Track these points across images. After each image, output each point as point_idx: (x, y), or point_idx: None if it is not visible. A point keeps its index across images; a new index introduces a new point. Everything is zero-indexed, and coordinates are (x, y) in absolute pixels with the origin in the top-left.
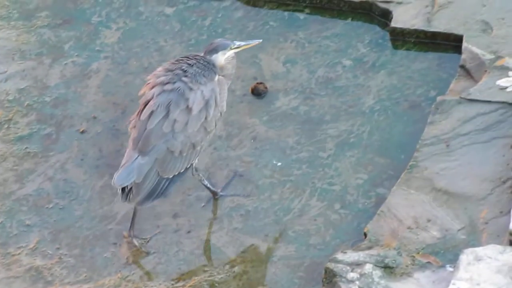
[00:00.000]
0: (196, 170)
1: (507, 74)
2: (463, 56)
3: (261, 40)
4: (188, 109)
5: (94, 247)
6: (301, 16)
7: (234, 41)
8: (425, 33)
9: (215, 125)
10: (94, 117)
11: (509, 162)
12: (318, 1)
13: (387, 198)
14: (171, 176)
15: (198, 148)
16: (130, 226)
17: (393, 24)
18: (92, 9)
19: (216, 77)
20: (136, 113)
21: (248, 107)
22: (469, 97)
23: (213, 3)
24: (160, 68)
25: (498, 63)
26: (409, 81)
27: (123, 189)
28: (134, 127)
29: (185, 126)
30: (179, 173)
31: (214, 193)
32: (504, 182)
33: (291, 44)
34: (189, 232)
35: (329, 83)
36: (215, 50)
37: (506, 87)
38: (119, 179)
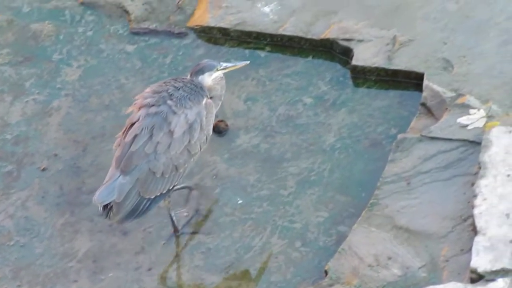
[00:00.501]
0: (169, 196)
1: (468, 112)
2: (424, 94)
3: (248, 62)
4: (170, 132)
5: (55, 284)
6: (262, 54)
7: (221, 62)
8: (386, 71)
9: (200, 149)
10: (55, 155)
11: (469, 200)
12: (279, 39)
13: (348, 236)
14: (152, 197)
15: (181, 170)
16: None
17: (354, 62)
18: (53, 46)
19: (204, 100)
20: (122, 131)
21: (209, 145)
22: (430, 135)
23: (174, 40)
24: (148, 89)
25: (459, 101)
26: (370, 119)
27: (104, 206)
28: (119, 145)
29: (167, 148)
30: (161, 194)
31: (176, 229)
32: (465, 220)
33: (252, 82)
34: (150, 269)
35: (290, 121)
36: (201, 71)
37: (467, 125)
38: (100, 196)
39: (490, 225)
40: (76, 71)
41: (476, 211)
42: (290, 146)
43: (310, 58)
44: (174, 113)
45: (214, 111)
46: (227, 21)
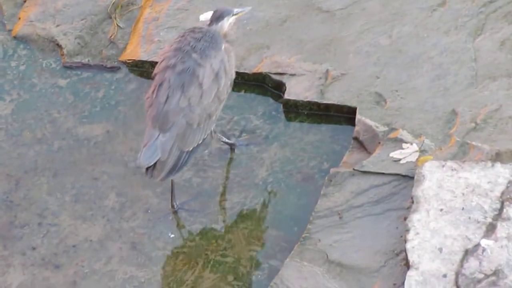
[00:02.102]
0: (215, 132)
1: (401, 147)
2: (357, 128)
3: (251, 8)
4: (200, 85)
5: None
6: None
7: (234, 9)
8: (318, 105)
9: (227, 93)
10: None
11: (402, 234)
12: None
13: (280, 270)
14: (191, 149)
15: (213, 118)
16: (172, 199)
17: (287, 96)
18: None
19: (223, 46)
20: (151, 90)
21: (141, 179)
22: (362, 169)
23: (106, 75)
24: (167, 48)
25: (392, 135)
26: (302, 153)
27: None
28: (151, 105)
29: (200, 99)
30: (197, 145)
31: (233, 145)
32: (397, 254)
33: None
34: None
35: (222, 155)
36: (221, 17)
37: (400, 160)
38: (144, 158)
39: (422, 259)
40: (8, 105)
41: (408, 246)
42: (222, 180)
43: (242, 92)
44: (200, 65)
45: (233, 54)
46: (159, 56)
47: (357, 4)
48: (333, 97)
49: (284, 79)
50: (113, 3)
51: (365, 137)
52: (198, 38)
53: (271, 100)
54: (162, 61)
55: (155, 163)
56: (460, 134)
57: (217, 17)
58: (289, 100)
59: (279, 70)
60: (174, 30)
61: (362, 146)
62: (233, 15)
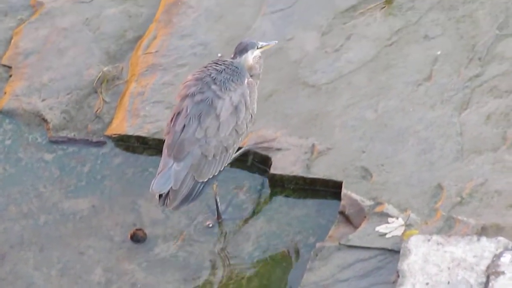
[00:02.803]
0: (217, 180)
1: (387, 221)
2: (343, 202)
3: (276, 41)
4: (217, 116)
5: None
6: None
7: (259, 42)
8: (304, 179)
9: (246, 127)
10: None
11: None
12: None
13: None
14: (206, 180)
15: (231, 151)
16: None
17: (272, 170)
18: None
19: (246, 80)
20: (169, 119)
21: (127, 254)
22: (348, 244)
23: (92, 149)
24: (190, 77)
25: (378, 209)
26: (288, 228)
27: (160, 195)
28: (168, 133)
29: (217, 131)
30: (213, 176)
31: (219, 216)
32: None
33: None
34: None
35: (208, 230)
36: (245, 50)
37: (386, 234)
38: (157, 186)
39: None
40: None
41: None
42: (208, 255)
43: (228, 167)
44: (219, 97)
45: (256, 89)
46: (145, 130)
47: (343, 79)
48: (319, 171)
49: (269, 153)
50: (99, 77)
51: (351, 211)
52: (220, 70)
53: (257, 175)
54: (182, 89)
55: (168, 192)
56: (446, 208)
57: (241, 50)
58: (275, 174)
59: (265, 145)
60: (160, 105)
61: (348, 220)
62: (257, 48)
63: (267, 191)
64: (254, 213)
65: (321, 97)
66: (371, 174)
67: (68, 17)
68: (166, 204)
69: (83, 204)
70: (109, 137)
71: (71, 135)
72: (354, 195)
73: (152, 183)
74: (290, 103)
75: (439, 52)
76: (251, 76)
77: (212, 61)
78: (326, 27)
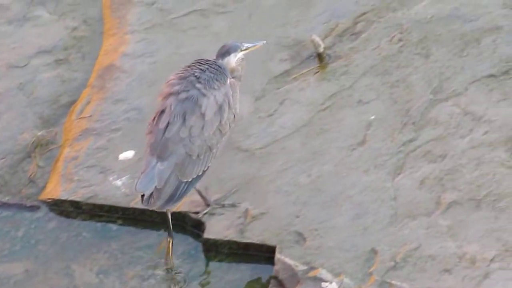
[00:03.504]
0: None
1: (320, 285)
2: (276, 267)
3: (265, 41)
4: (202, 115)
5: None
6: (114, 227)
7: (243, 43)
8: (238, 244)
9: (229, 127)
10: None
11: None
12: (131, 212)
13: None
14: (190, 180)
15: (214, 150)
16: (204, 201)
17: (206, 235)
18: None
19: (228, 80)
20: (151, 118)
21: None
22: None
23: (26, 213)
24: (173, 76)
25: (311, 274)
26: None
27: (142, 195)
28: (150, 132)
29: (201, 130)
30: (197, 176)
31: (206, 202)
32: None
33: (104, 255)
34: None
35: None
36: (227, 53)
37: None
38: (140, 185)
39: None
40: None
41: None
42: None
43: (162, 231)
44: (204, 95)
45: (238, 90)
46: (79, 195)
47: (276, 143)
48: (253, 236)
49: (203, 218)
50: (33, 142)
51: (284, 276)
52: (204, 69)
53: (190, 239)
54: (165, 88)
55: (152, 192)
56: (380, 272)
57: (223, 53)
58: (208, 239)
59: (199, 209)
60: (93, 169)
61: (281, 285)
62: (241, 50)
63: (200, 255)
64: (188, 278)
65: (255, 162)
66: (305, 238)
67: (2, 82)
68: (150, 204)
69: (17, 269)
70: (43, 201)
71: (5, 199)
72: (288, 260)
73: (136, 182)
74: (224, 168)
75: (373, 117)
76: (233, 77)
77: (195, 60)
78: (260, 92)
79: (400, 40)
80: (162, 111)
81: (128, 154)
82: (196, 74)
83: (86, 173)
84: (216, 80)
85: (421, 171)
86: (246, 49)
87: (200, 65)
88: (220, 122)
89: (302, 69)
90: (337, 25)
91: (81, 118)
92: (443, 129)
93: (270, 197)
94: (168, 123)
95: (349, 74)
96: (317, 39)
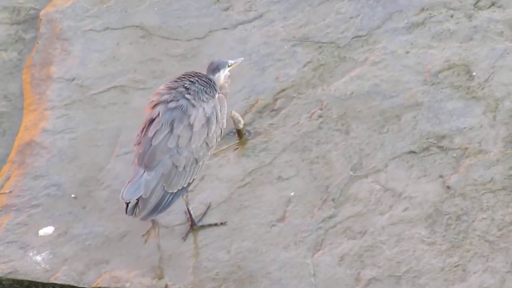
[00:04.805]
0: (187, 191)
1: None
2: None
3: (243, 58)
4: (190, 126)
5: None
6: None
7: (228, 60)
8: None
9: (216, 141)
10: None
11: None
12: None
13: None
14: (175, 191)
15: (200, 163)
16: (191, 222)
17: None
18: None
19: (217, 95)
20: (140, 129)
21: None
22: None
23: None
24: (162, 87)
25: None
26: None
27: (127, 203)
28: (139, 143)
29: (188, 141)
30: (182, 188)
31: (193, 222)
32: None
33: None
34: None
35: None
36: (217, 69)
37: None
38: (127, 194)
39: None
40: None
41: None
42: None
43: None
44: (193, 106)
45: (226, 105)
46: (152, 95)
47: (197, 219)
48: None
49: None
50: None
51: None
52: (193, 81)
53: None
54: (154, 96)
55: (137, 201)
56: None
57: (213, 69)
58: None
59: (119, 285)
60: (13, 245)
61: None
62: (228, 66)
63: None
64: None
65: (175, 238)
66: None
67: None
68: (135, 214)
69: None
70: None
71: None
72: None
73: (122, 191)
74: (143, 244)
75: (292, 193)
76: (220, 93)
77: (185, 72)
78: None
79: (320, 116)
80: (151, 121)
81: (48, 230)
82: (186, 85)
83: (6, 248)
84: (206, 92)
85: (341, 247)
86: (230, 66)
87: (190, 77)
88: (207, 134)
89: (222, 145)
90: (257, 101)
91: (1, 193)
92: (363, 205)
93: (189, 273)
94: (157, 130)
95: (269, 151)
96: (237, 115)
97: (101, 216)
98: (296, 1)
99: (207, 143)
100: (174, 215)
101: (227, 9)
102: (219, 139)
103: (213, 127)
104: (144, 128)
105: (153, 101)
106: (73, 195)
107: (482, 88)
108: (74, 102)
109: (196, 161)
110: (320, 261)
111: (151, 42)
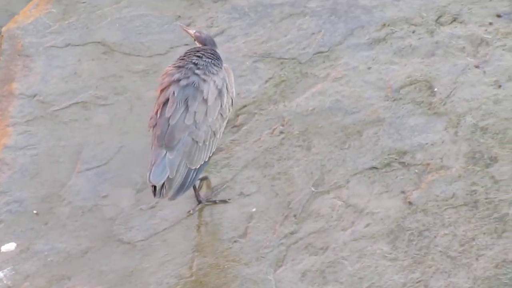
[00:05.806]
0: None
1: None
2: None
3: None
4: (205, 100)
5: None
6: None
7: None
8: None
9: (229, 111)
10: None
11: None
12: None
13: None
14: (198, 166)
15: (218, 135)
16: (197, 197)
17: None
18: None
19: (224, 65)
20: (155, 111)
21: None
22: None
23: None
24: (170, 67)
25: None
26: None
27: (154, 186)
28: (155, 125)
29: (205, 116)
30: (204, 162)
31: (199, 199)
32: None
33: None
34: None
35: None
36: (213, 41)
37: None
38: (154, 177)
39: None
40: None
41: None
42: None
43: None
44: (204, 81)
45: (232, 74)
46: (160, 76)
47: (157, 236)
48: None
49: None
50: None
51: None
52: (200, 56)
53: None
54: (165, 78)
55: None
56: None
57: (213, 42)
58: None
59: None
60: None
61: None
62: None
63: None
64: None
65: (136, 254)
66: None
67: None
68: (162, 195)
69: None
70: None
71: None
72: None
73: (148, 175)
74: (105, 260)
75: (254, 209)
76: None
77: (188, 50)
78: (141, 184)
79: (281, 132)
80: (166, 102)
81: (10, 246)
82: (194, 61)
83: None
84: (214, 65)
85: (303, 263)
86: None
87: (196, 53)
88: (221, 106)
89: None
90: None
91: None
92: (324, 221)
93: None
94: (172, 110)
95: (230, 167)
96: None
97: (63, 232)
98: (257, 17)
99: (221, 114)
100: (135, 231)
101: (188, 25)
102: (231, 109)
103: (225, 98)
104: (158, 109)
105: (163, 82)
106: (35, 211)
107: (444, 104)
108: (36, 118)
109: (214, 134)
110: (282, 277)
111: (113, 58)
